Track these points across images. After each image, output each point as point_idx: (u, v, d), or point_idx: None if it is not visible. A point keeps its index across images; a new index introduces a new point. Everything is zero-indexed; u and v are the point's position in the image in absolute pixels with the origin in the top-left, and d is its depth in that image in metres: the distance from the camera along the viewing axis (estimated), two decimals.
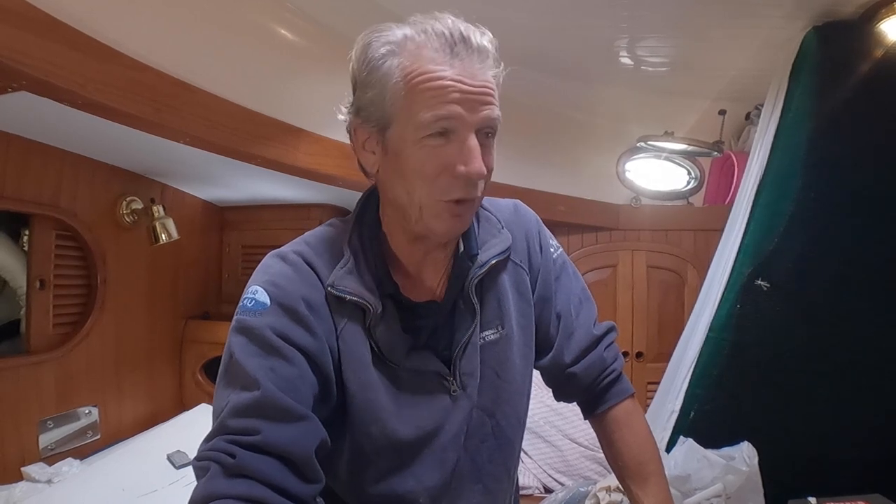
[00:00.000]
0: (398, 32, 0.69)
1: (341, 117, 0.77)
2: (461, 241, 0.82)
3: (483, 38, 0.69)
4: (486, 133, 0.71)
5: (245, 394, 0.64)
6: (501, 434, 0.85)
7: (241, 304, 0.71)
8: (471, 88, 0.67)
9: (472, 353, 0.81)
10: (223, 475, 0.60)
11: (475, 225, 0.84)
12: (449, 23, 0.68)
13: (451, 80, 0.66)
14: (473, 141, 0.68)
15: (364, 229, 0.80)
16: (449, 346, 0.80)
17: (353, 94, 0.75)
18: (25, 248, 1.90)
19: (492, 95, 0.69)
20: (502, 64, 0.72)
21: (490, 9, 1.63)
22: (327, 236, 0.80)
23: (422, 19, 0.70)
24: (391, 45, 0.69)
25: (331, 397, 0.73)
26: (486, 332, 0.83)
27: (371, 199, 0.82)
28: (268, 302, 0.70)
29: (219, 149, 1.59)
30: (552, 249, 0.93)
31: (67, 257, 1.98)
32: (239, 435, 0.62)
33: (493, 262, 0.81)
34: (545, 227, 0.94)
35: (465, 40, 0.67)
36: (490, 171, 0.72)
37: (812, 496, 1.29)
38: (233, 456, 0.60)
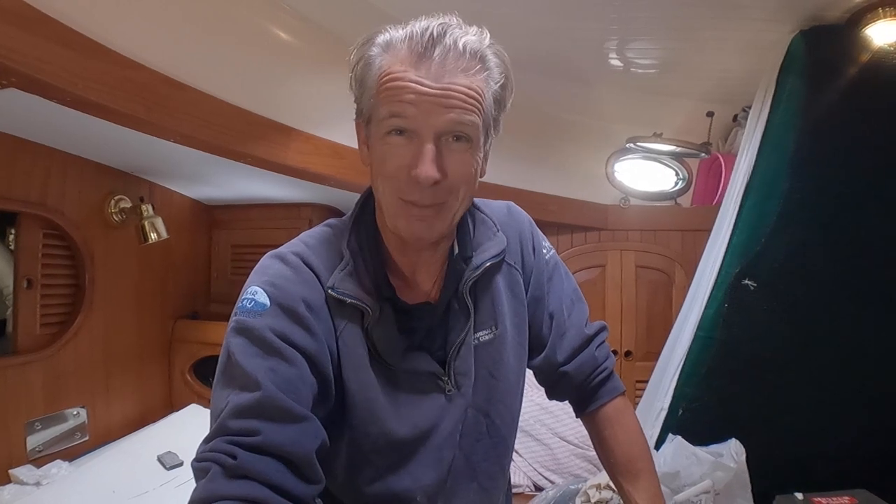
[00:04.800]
0: (393, 34, 0.70)
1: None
2: (456, 243, 0.83)
3: (470, 42, 0.68)
4: (455, 138, 0.69)
5: (245, 394, 0.64)
6: (496, 432, 0.86)
7: (239, 304, 0.71)
8: (429, 91, 0.66)
9: (466, 354, 0.81)
10: (224, 476, 0.59)
11: (470, 227, 0.85)
12: (427, 24, 0.68)
13: (411, 80, 0.67)
14: (428, 145, 0.68)
15: (362, 231, 0.80)
16: (443, 346, 0.81)
17: None
18: (12, 247, 1.87)
19: (460, 100, 0.67)
20: (502, 70, 0.72)
21: (479, 8, 1.64)
22: (325, 237, 0.80)
23: (415, 20, 0.70)
24: (381, 46, 0.70)
25: (329, 398, 0.73)
26: (480, 333, 0.83)
27: (369, 201, 0.82)
28: (267, 303, 0.69)
29: (209, 147, 1.58)
30: (545, 250, 0.94)
31: (55, 256, 1.96)
32: (239, 436, 0.62)
33: (488, 264, 0.82)
34: (538, 228, 0.95)
35: (437, 43, 0.67)
36: (460, 177, 0.71)
37: (799, 492, 1.32)
38: (233, 457, 0.60)
